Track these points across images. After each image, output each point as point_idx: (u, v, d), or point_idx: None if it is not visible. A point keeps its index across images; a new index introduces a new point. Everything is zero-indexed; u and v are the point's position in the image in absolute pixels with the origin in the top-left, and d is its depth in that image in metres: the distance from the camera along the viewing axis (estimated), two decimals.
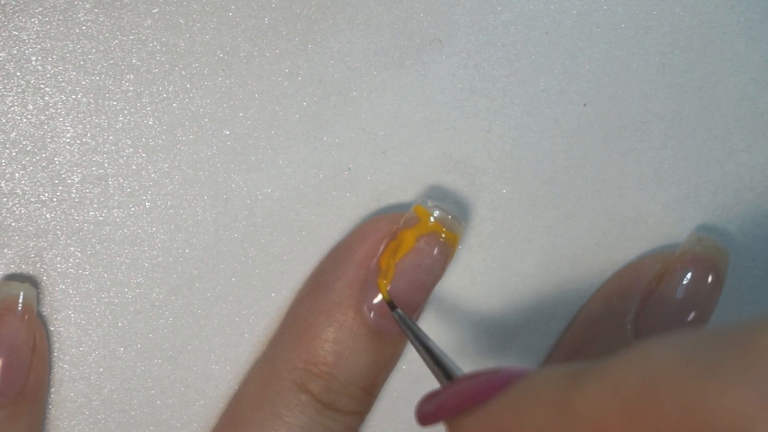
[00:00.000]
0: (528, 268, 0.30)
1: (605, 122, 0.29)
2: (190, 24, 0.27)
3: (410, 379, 0.30)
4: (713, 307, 0.29)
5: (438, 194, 0.29)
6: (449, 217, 0.27)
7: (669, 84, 0.29)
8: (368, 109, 0.28)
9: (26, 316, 0.26)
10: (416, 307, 0.27)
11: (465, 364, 0.30)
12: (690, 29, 0.29)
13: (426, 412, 0.21)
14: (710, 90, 0.30)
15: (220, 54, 0.27)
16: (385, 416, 0.30)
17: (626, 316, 0.29)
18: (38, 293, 0.27)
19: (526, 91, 0.29)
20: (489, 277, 0.30)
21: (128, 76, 0.27)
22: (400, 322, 0.26)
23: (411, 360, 0.30)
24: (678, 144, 0.30)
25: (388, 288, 0.26)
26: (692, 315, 0.28)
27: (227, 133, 0.27)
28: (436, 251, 0.27)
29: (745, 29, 0.29)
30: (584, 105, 0.29)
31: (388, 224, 0.28)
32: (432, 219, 0.27)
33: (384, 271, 0.27)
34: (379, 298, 0.27)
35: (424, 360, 0.24)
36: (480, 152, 0.29)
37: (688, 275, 0.28)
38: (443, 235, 0.27)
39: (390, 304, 0.26)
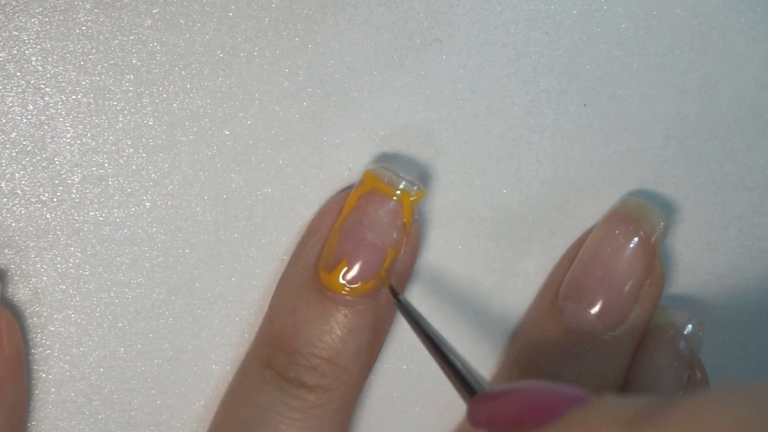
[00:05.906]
0: (528, 268, 0.30)
1: (605, 122, 0.29)
2: (190, 24, 0.27)
3: (410, 379, 0.30)
4: (641, 263, 0.28)
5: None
6: (393, 175, 0.26)
7: (669, 84, 0.29)
8: (368, 109, 0.28)
9: None
10: (372, 268, 0.26)
11: None
12: (690, 29, 0.29)
13: (477, 417, 0.20)
14: (710, 90, 0.30)
15: (220, 54, 0.27)
16: (385, 416, 0.30)
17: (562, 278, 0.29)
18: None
19: (526, 91, 0.29)
20: (489, 277, 0.30)
21: (128, 76, 0.27)
22: (401, 310, 0.25)
23: (411, 360, 0.30)
24: (678, 144, 0.30)
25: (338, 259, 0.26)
26: (606, 271, 0.27)
27: (227, 133, 0.27)
28: (378, 208, 0.26)
29: (745, 29, 0.29)
30: (584, 105, 0.29)
31: (346, 196, 0.27)
32: (373, 177, 0.26)
33: (331, 237, 0.26)
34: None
35: (427, 349, 0.23)
36: (480, 152, 0.29)
37: (605, 232, 0.28)
38: (382, 192, 0.26)
39: (392, 290, 0.26)
